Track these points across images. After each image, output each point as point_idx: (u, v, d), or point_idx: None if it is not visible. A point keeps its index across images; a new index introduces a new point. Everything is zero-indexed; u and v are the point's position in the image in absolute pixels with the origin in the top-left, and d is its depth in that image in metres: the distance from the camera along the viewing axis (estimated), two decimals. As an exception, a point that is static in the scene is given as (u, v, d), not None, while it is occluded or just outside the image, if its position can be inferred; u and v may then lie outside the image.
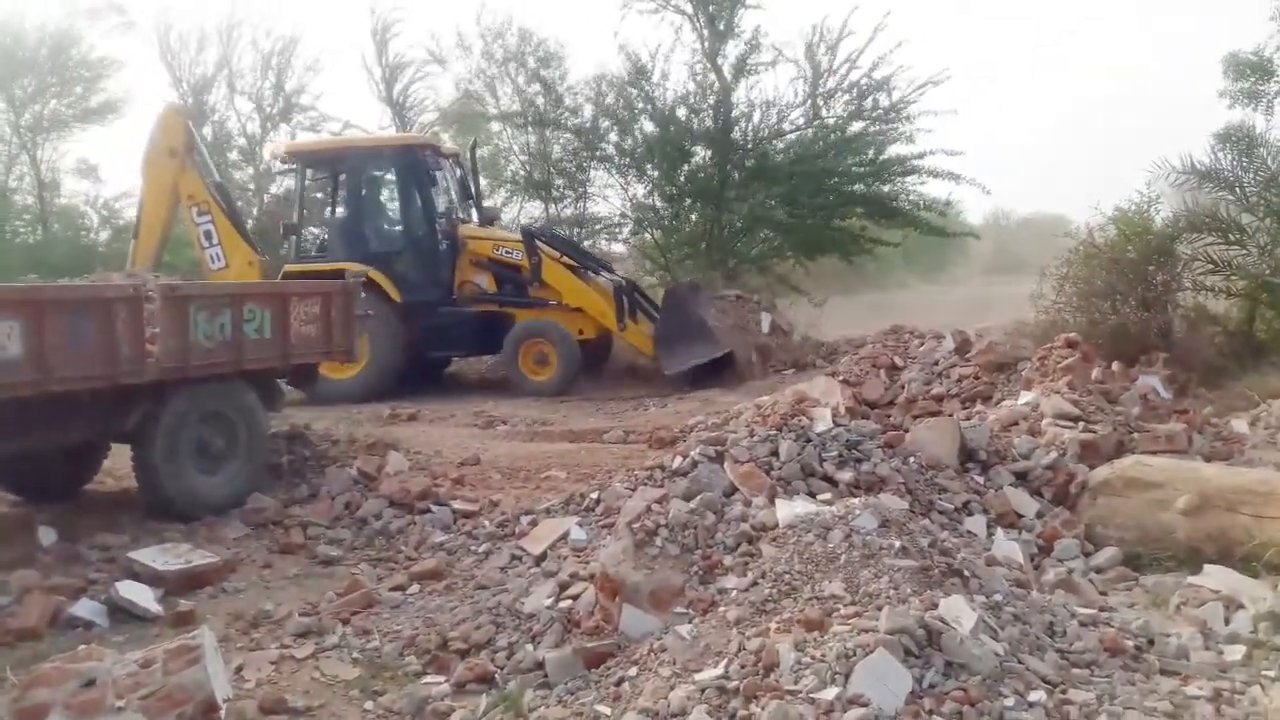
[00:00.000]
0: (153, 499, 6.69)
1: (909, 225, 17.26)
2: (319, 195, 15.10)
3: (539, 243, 13.09)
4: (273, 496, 6.98)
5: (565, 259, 13.25)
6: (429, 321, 12.94)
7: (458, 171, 13.99)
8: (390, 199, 13.90)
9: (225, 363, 6.88)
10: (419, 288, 12.98)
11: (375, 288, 12.42)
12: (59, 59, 25.34)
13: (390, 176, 13.76)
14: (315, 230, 14.23)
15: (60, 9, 35.41)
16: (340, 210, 13.79)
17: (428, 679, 4.12)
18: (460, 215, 13.71)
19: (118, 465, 7.78)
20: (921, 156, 16.60)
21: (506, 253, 13.22)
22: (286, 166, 15.39)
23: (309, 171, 14.19)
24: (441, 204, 13.56)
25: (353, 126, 23.29)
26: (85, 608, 5.00)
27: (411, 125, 24.04)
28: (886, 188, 17.07)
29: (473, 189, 14.07)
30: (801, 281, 17.39)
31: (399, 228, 13.59)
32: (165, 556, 5.58)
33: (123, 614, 5.01)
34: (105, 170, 25.14)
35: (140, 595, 5.09)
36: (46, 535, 6.18)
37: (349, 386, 12.13)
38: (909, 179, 16.94)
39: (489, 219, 14.16)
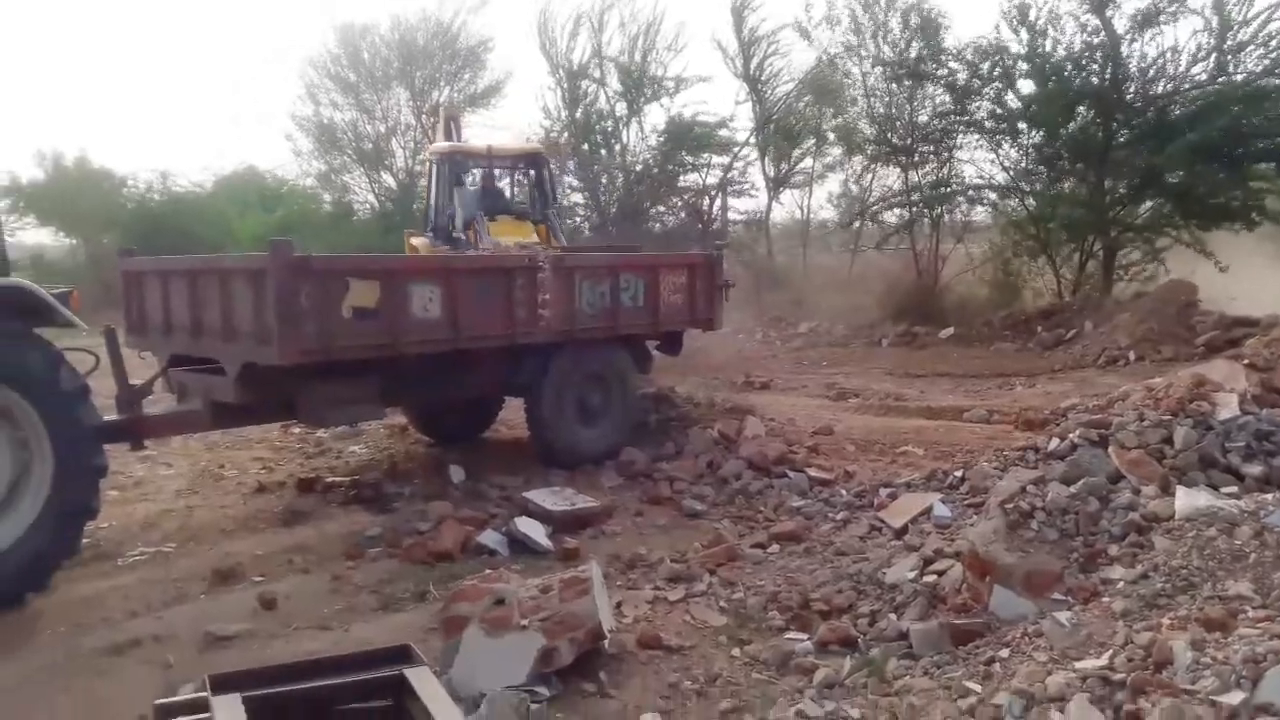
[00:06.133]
0: (541, 447, 7.45)
1: None
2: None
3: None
4: (642, 451, 7.50)
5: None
6: None
7: (532, 174, 13.23)
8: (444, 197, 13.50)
9: (604, 327, 7.47)
10: None
11: None
12: (447, 49, 28.50)
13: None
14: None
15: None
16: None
17: (790, 635, 4.27)
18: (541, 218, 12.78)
19: (509, 416, 8.73)
20: None
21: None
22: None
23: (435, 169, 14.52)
24: (465, 205, 12.67)
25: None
26: (489, 537, 5.70)
27: (766, 98, 24.21)
28: None
29: (539, 194, 13.17)
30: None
31: (435, 224, 13.20)
32: (554, 498, 6.21)
33: (519, 545, 5.65)
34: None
35: (534, 530, 5.71)
36: (456, 473, 7.13)
37: None
38: None
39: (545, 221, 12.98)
